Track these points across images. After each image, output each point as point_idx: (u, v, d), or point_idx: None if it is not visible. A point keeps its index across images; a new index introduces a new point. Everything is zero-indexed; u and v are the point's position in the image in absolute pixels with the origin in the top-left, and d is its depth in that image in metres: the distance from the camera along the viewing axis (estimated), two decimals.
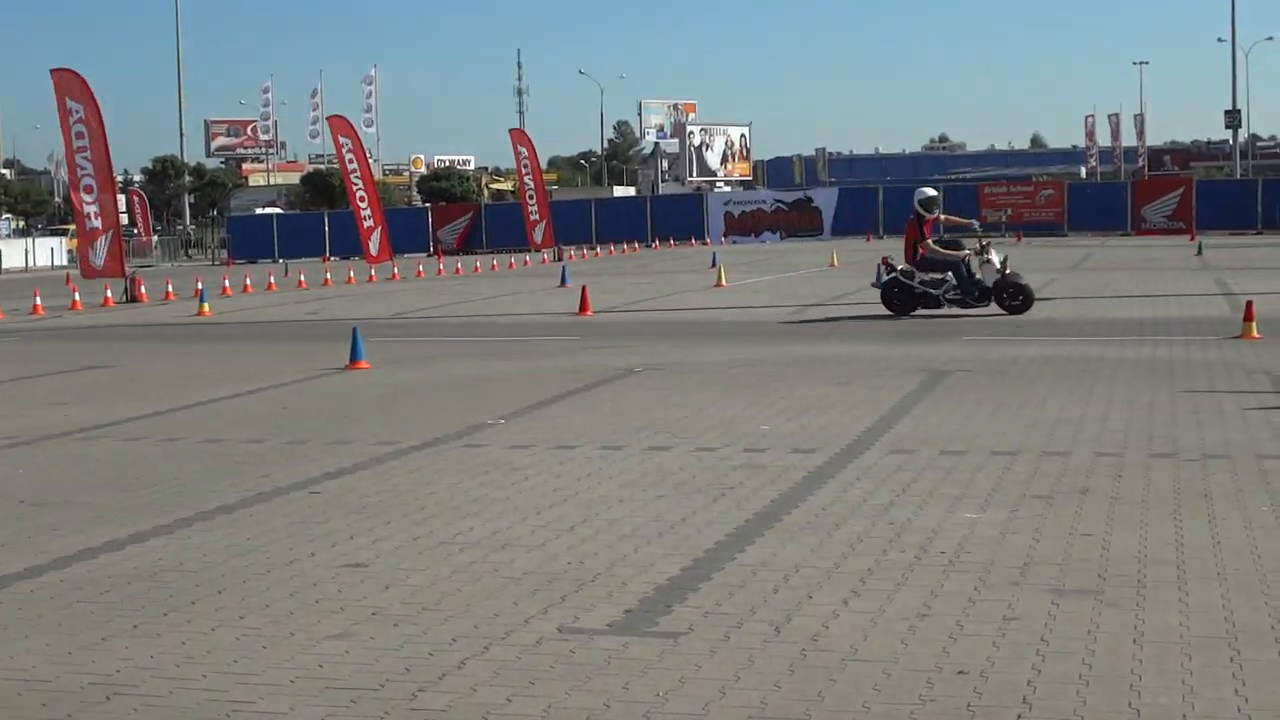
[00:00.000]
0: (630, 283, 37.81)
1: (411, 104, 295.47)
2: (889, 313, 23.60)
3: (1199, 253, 44.48)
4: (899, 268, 23.77)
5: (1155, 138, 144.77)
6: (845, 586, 7.12)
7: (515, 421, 13.20)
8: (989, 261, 23.11)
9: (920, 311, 23.48)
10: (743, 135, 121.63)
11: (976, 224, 25.00)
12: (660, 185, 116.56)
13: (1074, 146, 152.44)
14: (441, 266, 50.17)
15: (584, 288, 27.93)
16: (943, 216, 24.31)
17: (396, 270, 46.69)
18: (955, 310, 23.25)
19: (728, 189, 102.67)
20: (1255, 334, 18.59)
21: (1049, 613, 6.57)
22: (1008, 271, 23.18)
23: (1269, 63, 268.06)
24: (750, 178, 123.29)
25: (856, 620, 6.55)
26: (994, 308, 23.07)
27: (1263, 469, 9.90)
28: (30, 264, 71.38)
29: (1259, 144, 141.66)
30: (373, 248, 48.54)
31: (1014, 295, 23.07)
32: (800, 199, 75.71)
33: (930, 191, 24.16)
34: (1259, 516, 8.45)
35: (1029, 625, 6.39)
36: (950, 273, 23.28)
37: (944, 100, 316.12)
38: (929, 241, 23.49)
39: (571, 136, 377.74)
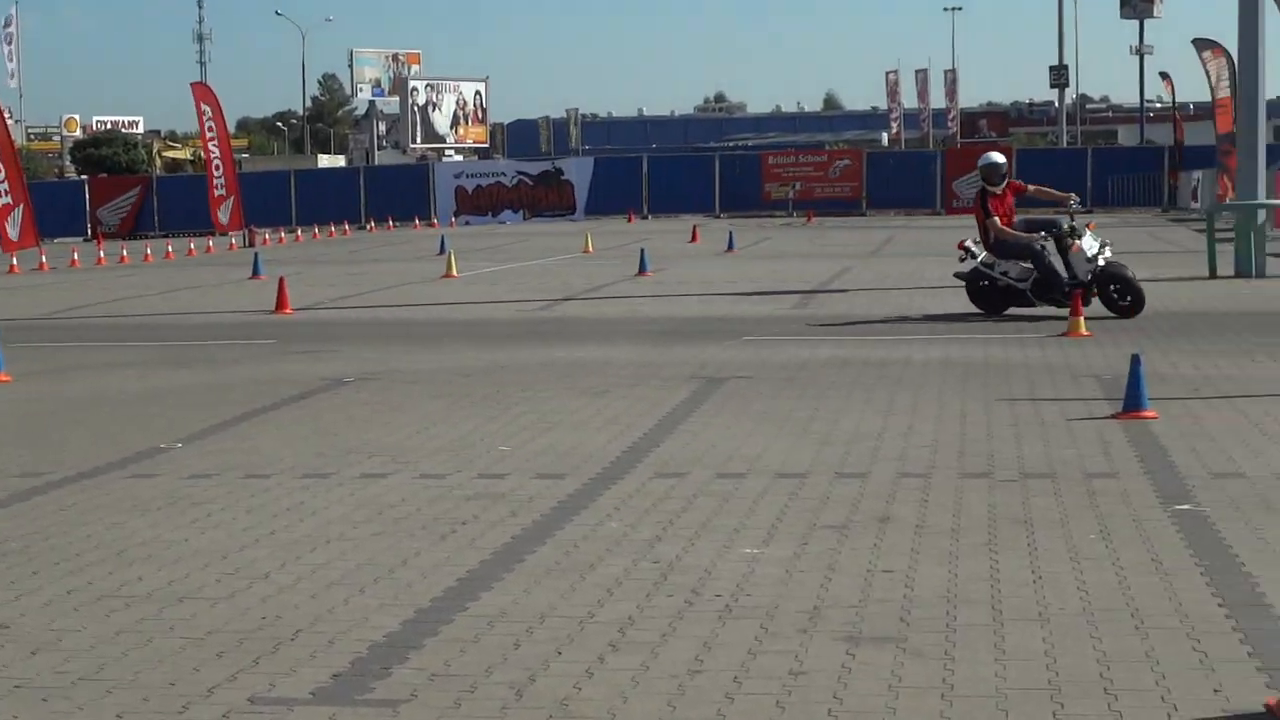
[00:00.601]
0: (340, 273, 37.56)
1: (63, 52, 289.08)
2: (978, 311, 22.41)
3: None
4: (979, 256, 22.39)
5: (969, 99, 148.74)
6: (601, 639, 7.19)
7: (196, 445, 13.04)
8: (1076, 247, 21.47)
9: (1013, 311, 22.09)
10: (478, 93, 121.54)
11: (1074, 198, 22.99)
12: (377, 154, 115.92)
13: (874, 109, 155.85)
14: (103, 254, 49.19)
15: (281, 280, 27.67)
16: (1031, 188, 23.18)
17: (44, 259, 45.65)
18: (1049, 309, 21.61)
19: (459, 158, 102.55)
20: (1084, 331, 19.22)
21: (843, 664, 6.72)
22: (1106, 259, 21.49)
23: (1100, 12, 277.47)
24: (487, 145, 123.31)
25: (615, 679, 6.62)
26: (1098, 305, 21.40)
27: (1090, 490, 10.27)
28: None
29: (1089, 107, 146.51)
30: (11, 231, 47.31)
31: (1122, 292, 21.50)
32: (547, 171, 76.00)
33: (996, 157, 23.08)
34: (1086, 546, 8.76)
35: (819, 680, 6.53)
36: (1031, 261, 21.82)
37: (720, 53, 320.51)
38: (995, 220, 22.17)
39: (266, 93, 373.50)
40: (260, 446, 12.86)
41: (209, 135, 59.04)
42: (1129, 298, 21.45)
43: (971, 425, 12.91)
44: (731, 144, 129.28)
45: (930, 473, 10.95)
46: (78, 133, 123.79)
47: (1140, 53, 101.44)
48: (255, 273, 35.46)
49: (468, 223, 70.80)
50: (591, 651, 7.01)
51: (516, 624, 7.46)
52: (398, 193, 73.21)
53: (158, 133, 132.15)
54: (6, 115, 52.79)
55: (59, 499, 10.87)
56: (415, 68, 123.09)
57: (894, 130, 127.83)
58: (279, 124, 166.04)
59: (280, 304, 26.42)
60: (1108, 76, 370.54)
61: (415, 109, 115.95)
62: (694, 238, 48.26)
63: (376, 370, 17.74)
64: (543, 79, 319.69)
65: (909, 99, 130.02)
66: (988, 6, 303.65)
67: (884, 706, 6.21)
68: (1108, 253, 21.58)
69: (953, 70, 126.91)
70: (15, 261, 44.42)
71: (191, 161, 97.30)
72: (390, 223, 68.41)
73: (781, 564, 8.49)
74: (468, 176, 76.21)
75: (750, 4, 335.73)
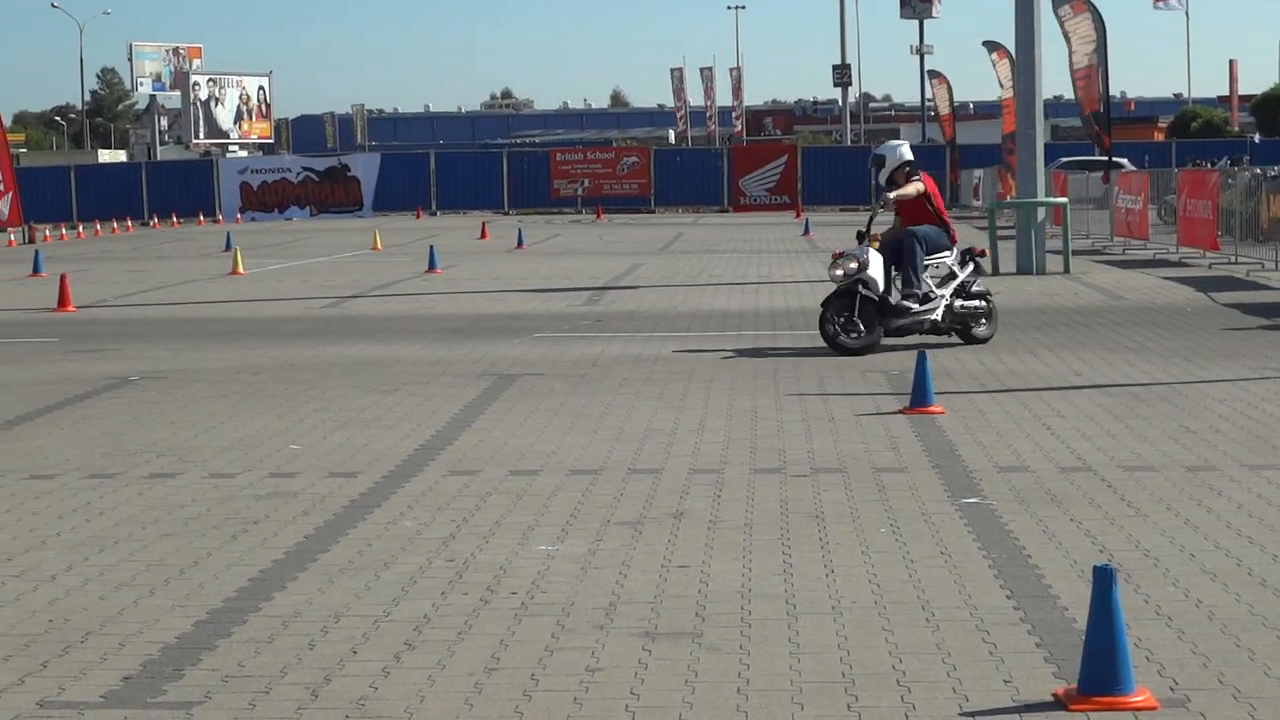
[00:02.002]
0: (123, 271, 36.98)
1: None
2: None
3: (806, 231, 46.36)
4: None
5: (754, 97, 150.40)
6: (397, 638, 7.17)
7: None
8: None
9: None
10: (261, 88, 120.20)
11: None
12: (159, 149, 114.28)
13: (661, 106, 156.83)
14: None
15: (63, 277, 27.17)
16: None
17: None
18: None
19: (244, 154, 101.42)
20: None
21: (640, 660, 6.77)
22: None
23: (881, 12, 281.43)
24: (272, 140, 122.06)
25: (412, 678, 6.61)
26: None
27: (880, 484, 10.42)
28: None
29: (871, 105, 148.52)
30: None
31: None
32: (334, 167, 75.48)
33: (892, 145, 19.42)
34: (877, 539, 8.89)
35: (617, 676, 6.57)
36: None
37: (507, 49, 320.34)
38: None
39: (42, 87, 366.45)
40: (44, 447, 12.63)
41: None
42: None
43: (763, 421, 13.03)
44: (519, 141, 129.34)
45: (723, 468, 11.05)
46: None
47: (920, 52, 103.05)
48: (36, 270, 34.78)
49: (254, 219, 70.08)
50: (388, 650, 6.98)
51: (311, 624, 7.41)
52: (181, 189, 72.29)
53: None
54: None
55: None
56: (196, 62, 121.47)
57: (680, 127, 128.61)
58: (57, 118, 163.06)
59: (62, 302, 25.94)
60: (890, 76, 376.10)
61: (197, 104, 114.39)
62: (483, 234, 48.19)
63: (163, 369, 17.49)
64: (328, 74, 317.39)
65: (695, 96, 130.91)
66: (771, 5, 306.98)
67: (681, 701, 6.26)
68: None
69: (738, 68, 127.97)
70: None
71: None
72: (174, 219, 67.50)
73: (577, 560, 8.52)
74: (253, 172, 75.43)
75: (537, 1, 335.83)
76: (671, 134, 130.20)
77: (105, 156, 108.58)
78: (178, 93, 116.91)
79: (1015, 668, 6.59)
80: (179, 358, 18.59)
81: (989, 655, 6.76)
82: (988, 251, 18.22)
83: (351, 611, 7.62)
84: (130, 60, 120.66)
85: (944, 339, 18.03)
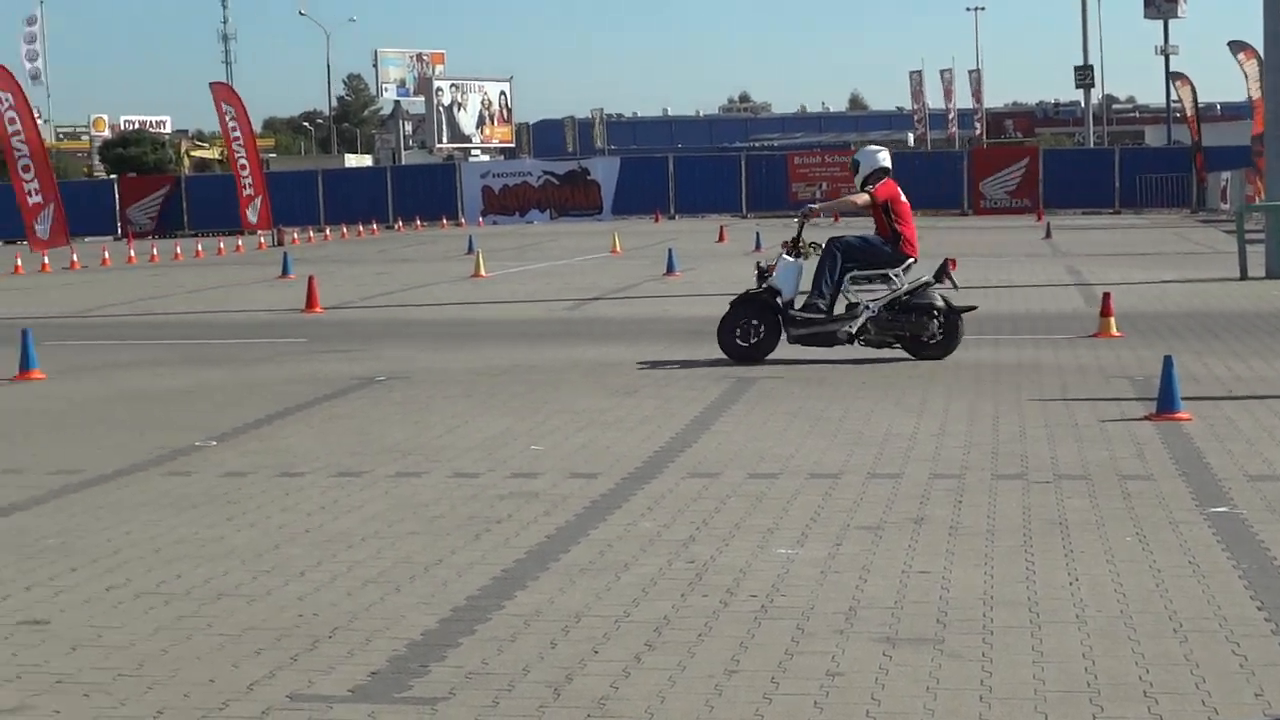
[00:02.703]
0: (369, 273, 37.62)
1: (91, 51, 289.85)
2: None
3: (1047, 235, 45.75)
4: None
5: (995, 99, 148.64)
6: (637, 639, 7.20)
7: (230, 443, 13.07)
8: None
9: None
10: (503, 93, 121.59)
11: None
12: (403, 154, 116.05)
13: (899, 109, 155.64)
14: (133, 252, 49.36)
15: (311, 279, 27.72)
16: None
17: (76, 257, 45.79)
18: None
19: (486, 158, 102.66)
20: (1114, 331, 19.19)
21: (880, 666, 6.72)
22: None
23: (1125, 11, 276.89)
24: (513, 144, 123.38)
25: (652, 679, 6.63)
26: None
27: (1125, 491, 10.25)
28: None
29: (1115, 107, 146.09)
30: (41, 230, 47.47)
31: None
32: (574, 170, 76.07)
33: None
34: (1123, 548, 8.74)
35: (857, 681, 6.53)
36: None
37: (745, 53, 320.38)
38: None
39: (292, 94, 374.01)
40: (293, 445, 12.89)
41: (232, 135, 59.11)
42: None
43: (1004, 426, 12.88)
44: (757, 144, 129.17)
45: (964, 474, 10.94)
46: (106, 132, 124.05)
47: (1165, 53, 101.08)
48: (285, 272, 35.53)
49: (495, 222, 70.87)
50: (628, 651, 7.01)
51: (553, 623, 7.47)
52: (425, 193, 73.33)
53: (185, 132, 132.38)
54: (35, 115, 52.90)
55: (95, 496, 10.90)
56: (440, 68, 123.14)
57: (919, 130, 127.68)
58: (305, 124, 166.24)
59: (310, 303, 26.47)
60: (1133, 77, 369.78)
61: (440, 109, 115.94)
62: (721, 238, 48.24)
63: (407, 369, 17.75)
64: (568, 79, 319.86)
65: (934, 99, 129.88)
66: (1011, 6, 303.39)
67: (922, 708, 6.20)
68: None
69: (977, 70, 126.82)
70: (46, 260, 44.59)
71: (220, 161, 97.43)
72: (418, 222, 68.51)
73: (816, 564, 8.49)
74: (494, 176, 76.29)
75: (776, 5, 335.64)
76: (910, 137, 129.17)
77: (351, 161, 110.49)
78: (421, 98, 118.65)
79: (1267, 681, 6.43)
80: (423, 358, 18.86)
81: (1239, 668, 6.61)
82: (955, 263, 18.29)
83: (592, 611, 7.67)
84: (376, 67, 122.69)
85: (891, 351, 17.65)
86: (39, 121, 57.39)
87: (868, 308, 17.68)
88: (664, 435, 12.82)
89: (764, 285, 17.90)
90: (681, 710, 6.24)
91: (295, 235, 58.47)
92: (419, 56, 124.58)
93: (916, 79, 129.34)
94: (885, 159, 18.60)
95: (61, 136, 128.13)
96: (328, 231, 64.77)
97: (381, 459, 12.09)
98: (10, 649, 7.25)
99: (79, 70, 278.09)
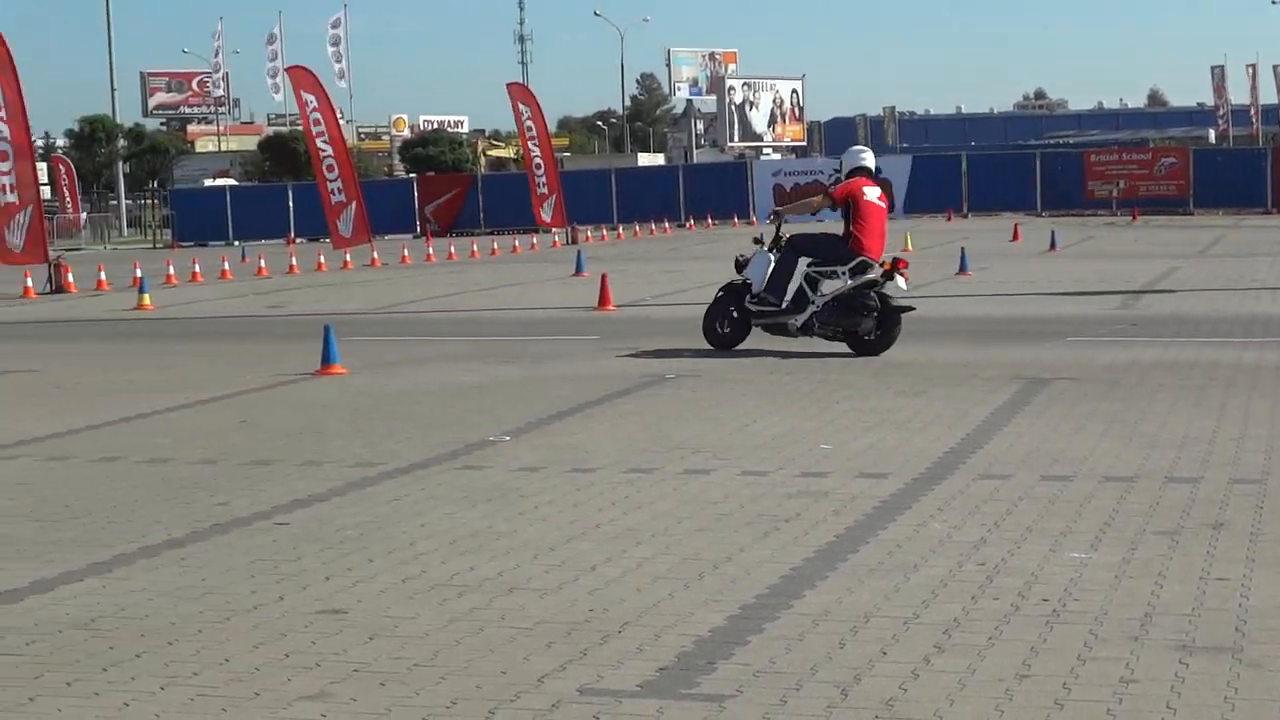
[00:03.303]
0: (660, 270, 37.86)
1: (391, 53, 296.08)
2: None
3: None
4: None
5: None
6: (926, 640, 7.14)
7: (523, 439, 13.25)
8: None
9: None
10: (794, 91, 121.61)
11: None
12: (695, 152, 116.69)
13: (1200, 105, 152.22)
14: (431, 250, 50.32)
15: (604, 276, 27.99)
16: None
17: (376, 255, 46.82)
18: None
19: (777, 156, 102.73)
20: None
21: (1175, 674, 6.58)
22: None
23: None
24: (804, 143, 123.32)
25: (941, 681, 6.57)
26: None
27: None
28: None
29: None
30: (344, 228, 48.61)
31: None
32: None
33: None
34: None
35: (1151, 689, 6.40)
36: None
37: (1040, 49, 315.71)
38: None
39: (586, 93, 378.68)
40: (585, 441, 13.02)
41: (528, 134, 59.96)
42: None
43: None
44: (1052, 142, 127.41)
45: (1264, 479, 10.65)
46: (406, 132, 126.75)
47: None
48: (578, 270, 35.93)
49: (786, 221, 70.76)
50: (917, 653, 6.96)
51: (841, 623, 7.44)
52: (716, 190, 73.57)
53: (482, 131, 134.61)
54: (338, 115, 54.21)
55: (393, 489, 11.14)
56: (732, 66, 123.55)
57: (1221, 127, 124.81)
58: (599, 123, 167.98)
59: (603, 300, 26.72)
60: None
61: (732, 107, 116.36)
62: (1015, 236, 47.64)
63: (698, 367, 17.83)
64: (860, 77, 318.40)
65: (1238, 95, 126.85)
66: None
67: (1220, 718, 6.06)
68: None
69: None
70: (349, 258, 45.66)
71: (515, 160, 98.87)
72: (709, 220, 68.77)
73: (1110, 569, 8.33)
74: (785, 174, 76.22)
75: (1071, 1, 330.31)
76: (1211, 133, 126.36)
77: (644, 160, 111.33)
78: (713, 97, 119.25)
79: None
80: (714, 356, 18.92)
81: None
82: (905, 264, 19.18)
83: (881, 612, 7.62)
84: (668, 66, 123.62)
85: (835, 345, 18.88)
86: (342, 122, 58.81)
87: (813, 303, 18.98)
88: (954, 436, 12.70)
89: (742, 277, 19.55)
90: (970, 714, 6.18)
91: (588, 233, 59.07)
92: (711, 55, 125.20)
93: (1218, 74, 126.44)
94: (864, 159, 19.93)
95: (363, 137, 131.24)
96: (620, 230, 65.34)
97: (671, 456, 12.15)
98: (310, 637, 7.43)
99: (380, 71, 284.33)
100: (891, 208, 20.49)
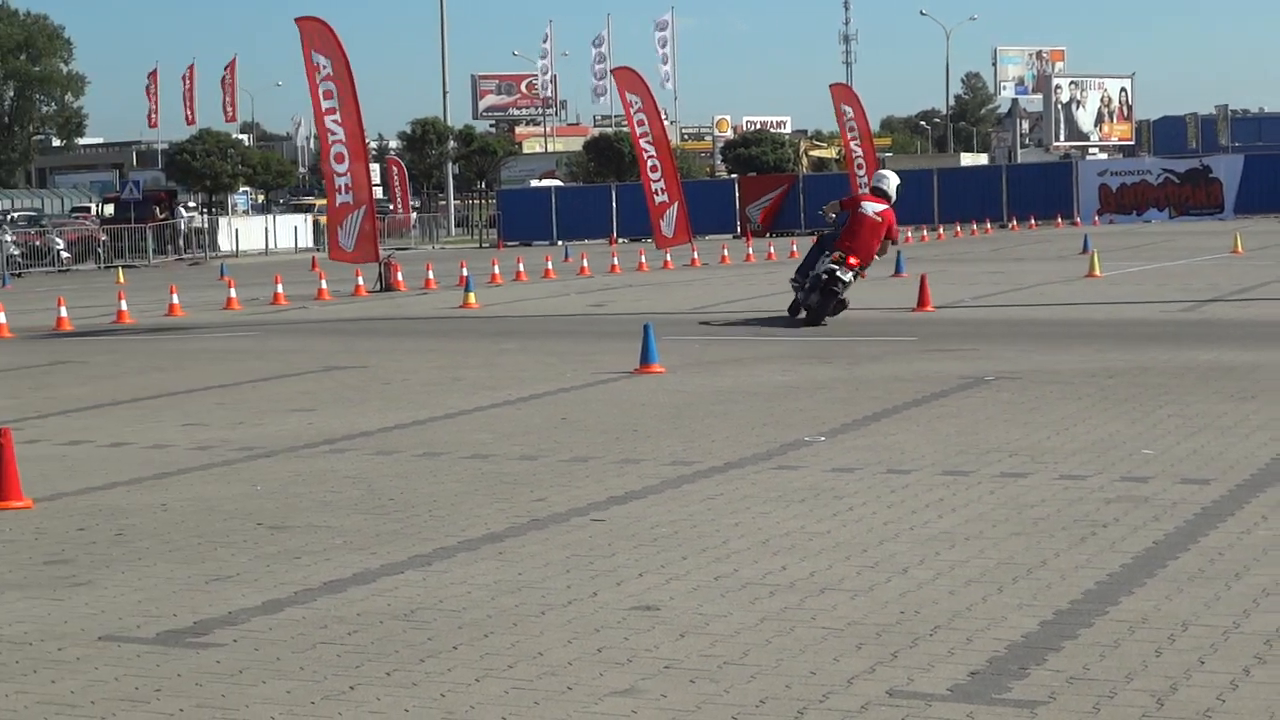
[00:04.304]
0: (981, 271, 37.48)
1: (716, 54, 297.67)
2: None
3: None
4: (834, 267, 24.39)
5: None
6: (1247, 650, 6.96)
7: (838, 439, 13.23)
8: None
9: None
10: (1123, 90, 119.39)
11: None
12: (1019, 152, 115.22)
13: None
14: (750, 250, 50.48)
15: (923, 277, 27.82)
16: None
17: (696, 254, 47.13)
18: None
19: (1103, 156, 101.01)
20: None
21: None
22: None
23: None
24: (1132, 142, 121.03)
25: (1261, 694, 6.39)
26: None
27: None
28: (271, 245, 74.15)
29: None
30: (666, 228, 49.02)
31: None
32: (1195, 168, 74.02)
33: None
34: None
35: None
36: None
37: None
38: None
39: (909, 93, 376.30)
40: (901, 442, 12.94)
41: (850, 134, 59.85)
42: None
43: None
44: None
45: None
46: (728, 133, 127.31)
47: None
48: (897, 270, 35.72)
49: (1111, 221, 69.62)
50: (1237, 663, 6.78)
51: (1158, 630, 7.29)
52: (1040, 191, 72.62)
53: (804, 132, 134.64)
54: (663, 116, 54.68)
55: (707, 488, 11.20)
56: (1059, 65, 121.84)
57: None
58: (922, 123, 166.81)
59: (922, 301, 26.55)
60: None
61: (1058, 106, 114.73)
62: None
63: (1017, 369, 17.61)
64: (1190, 74, 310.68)
65: None
66: None
67: None
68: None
69: None
70: (669, 257, 46.03)
71: (837, 160, 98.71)
72: (1031, 221, 67.87)
73: None
74: (1111, 175, 74.94)
75: None
76: None
77: (967, 160, 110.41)
78: (1039, 95, 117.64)
79: None
80: (1032, 358, 18.68)
81: None
82: (853, 259, 24.36)
83: (1200, 621, 7.44)
84: (994, 64, 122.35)
85: None
86: (666, 123, 59.31)
87: (801, 286, 24.63)
88: None
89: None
90: None
91: (908, 233, 58.68)
92: (1038, 54, 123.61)
93: None
94: (881, 182, 25.90)
95: (686, 137, 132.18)
96: (941, 230, 64.81)
97: (988, 459, 12.02)
98: (623, 633, 7.51)
99: (705, 72, 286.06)
100: (891, 229, 25.48)
